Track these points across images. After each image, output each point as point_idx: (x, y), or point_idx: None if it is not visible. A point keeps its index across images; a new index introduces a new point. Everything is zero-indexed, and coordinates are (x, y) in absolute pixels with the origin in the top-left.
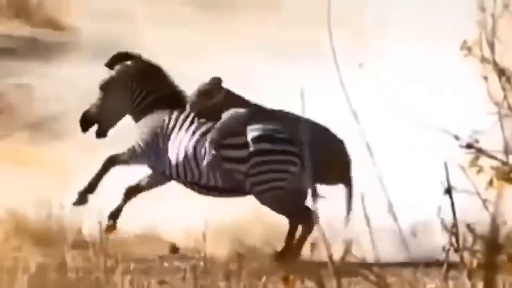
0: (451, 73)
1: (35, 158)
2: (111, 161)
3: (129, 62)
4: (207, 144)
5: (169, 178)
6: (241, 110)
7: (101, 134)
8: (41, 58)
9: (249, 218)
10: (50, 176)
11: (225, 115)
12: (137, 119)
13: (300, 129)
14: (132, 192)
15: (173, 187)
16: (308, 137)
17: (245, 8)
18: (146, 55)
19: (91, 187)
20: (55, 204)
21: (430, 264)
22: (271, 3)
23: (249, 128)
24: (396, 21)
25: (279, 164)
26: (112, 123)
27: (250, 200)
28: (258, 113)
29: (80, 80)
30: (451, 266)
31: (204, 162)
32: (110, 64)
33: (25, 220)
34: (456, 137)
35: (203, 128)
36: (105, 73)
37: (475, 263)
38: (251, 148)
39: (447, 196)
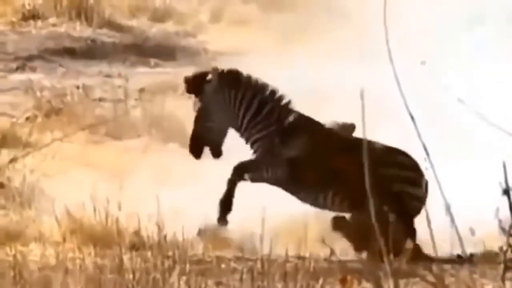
0: None
1: (93, 159)
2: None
3: (209, 78)
4: None
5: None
6: None
7: (217, 154)
8: (100, 59)
9: (306, 218)
10: (107, 177)
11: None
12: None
13: None
14: None
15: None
16: None
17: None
18: (208, 55)
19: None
20: (113, 205)
21: (487, 265)
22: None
23: None
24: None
25: None
26: (221, 140)
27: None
28: None
29: (139, 81)
30: (508, 267)
31: None
32: (190, 90)
33: (82, 221)
34: None
35: None
36: (163, 74)
37: None
38: None
39: (505, 197)
